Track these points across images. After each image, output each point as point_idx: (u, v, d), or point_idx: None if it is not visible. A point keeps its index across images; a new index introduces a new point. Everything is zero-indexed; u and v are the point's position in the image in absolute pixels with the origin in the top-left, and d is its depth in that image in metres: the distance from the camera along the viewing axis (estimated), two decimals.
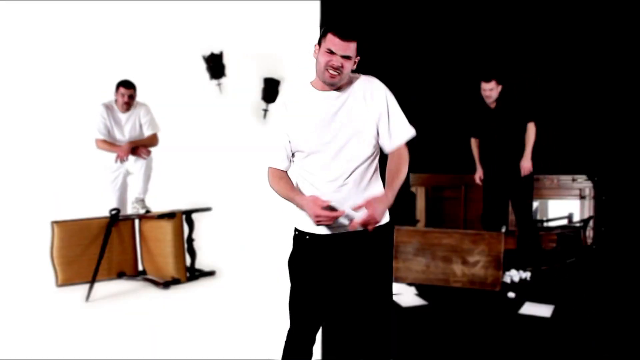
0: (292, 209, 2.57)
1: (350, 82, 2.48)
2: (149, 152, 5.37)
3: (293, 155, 2.55)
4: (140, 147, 5.31)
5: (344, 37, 2.36)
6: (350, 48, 2.37)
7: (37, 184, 5.50)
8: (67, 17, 5.68)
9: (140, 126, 5.39)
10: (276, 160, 2.55)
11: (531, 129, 5.13)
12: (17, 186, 5.49)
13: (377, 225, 2.40)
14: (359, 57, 2.44)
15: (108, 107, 5.32)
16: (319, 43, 2.42)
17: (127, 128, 5.35)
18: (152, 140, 5.42)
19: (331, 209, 2.39)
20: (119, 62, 5.59)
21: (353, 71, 2.49)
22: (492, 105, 5.20)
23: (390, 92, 2.52)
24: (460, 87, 5.98)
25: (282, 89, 5.88)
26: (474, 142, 5.45)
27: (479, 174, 5.45)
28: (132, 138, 5.36)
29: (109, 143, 5.28)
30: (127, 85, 5.26)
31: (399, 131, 2.50)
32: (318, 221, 2.37)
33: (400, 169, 2.46)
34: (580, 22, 5.68)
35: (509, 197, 5.40)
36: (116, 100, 5.32)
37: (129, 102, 5.30)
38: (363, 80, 2.51)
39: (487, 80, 5.10)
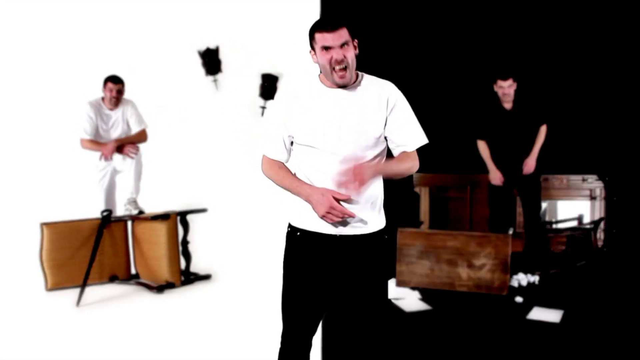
0: (289, 206, 2.53)
1: (362, 82, 2.44)
2: (137, 150, 5.32)
3: (292, 143, 2.49)
4: (127, 145, 5.25)
5: (331, 28, 2.32)
6: (342, 35, 2.32)
7: (26, 185, 5.61)
8: (57, 13, 5.75)
9: (128, 123, 5.37)
10: (273, 150, 2.51)
11: (543, 132, 5.21)
12: (6, 187, 5.58)
13: (372, 231, 2.44)
14: (357, 40, 2.39)
15: (94, 105, 5.30)
16: (312, 47, 2.39)
17: (115, 125, 5.34)
18: (141, 137, 5.39)
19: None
20: (112, 59, 5.59)
21: (363, 69, 2.43)
22: (508, 106, 5.19)
23: (405, 98, 2.46)
24: (466, 86, 5.98)
25: (282, 84, 5.87)
26: (482, 145, 5.36)
27: (497, 176, 5.29)
28: (120, 135, 5.35)
29: (95, 142, 5.26)
30: (115, 80, 5.26)
31: (411, 138, 2.45)
32: (325, 215, 2.34)
33: (404, 161, 2.44)
34: (589, 18, 5.69)
35: (521, 197, 5.43)
36: (103, 97, 5.31)
37: (118, 97, 5.30)
38: (378, 83, 2.46)
39: (504, 78, 5.10)
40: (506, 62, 5.79)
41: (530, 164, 5.19)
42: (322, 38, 2.31)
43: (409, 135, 2.44)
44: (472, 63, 5.95)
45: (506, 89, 5.10)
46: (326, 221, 2.37)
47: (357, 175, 2.27)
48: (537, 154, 5.20)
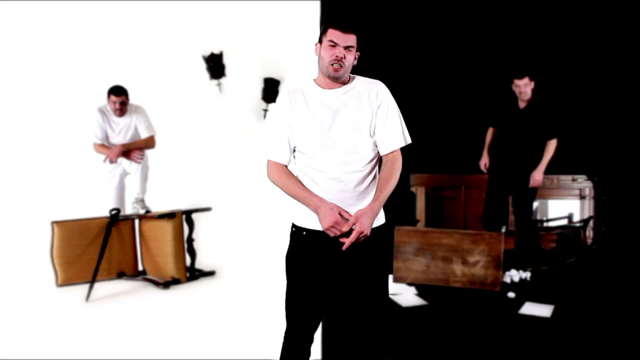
0: (292, 206, 2.55)
1: (353, 82, 2.53)
2: (143, 156, 5.35)
3: (294, 149, 2.54)
4: (134, 150, 5.29)
5: (344, 29, 2.44)
6: (351, 39, 2.45)
7: (37, 184, 5.51)
8: (66, 16, 5.67)
9: (136, 129, 5.38)
10: (277, 153, 2.52)
11: (552, 146, 5.15)
12: (17, 186, 5.49)
13: (372, 227, 2.44)
14: (359, 53, 2.51)
15: (102, 111, 5.31)
16: (320, 41, 2.49)
17: (124, 131, 5.35)
18: (149, 143, 5.40)
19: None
20: (118, 62, 5.58)
21: (356, 72, 2.50)
22: (522, 105, 5.16)
23: (393, 98, 2.54)
24: (461, 86, 5.96)
25: (284, 87, 5.89)
26: (490, 131, 5.41)
27: (484, 161, 5.38)
28: (129, 141, 5.36)
29: (104, 146, 5.29)
30: (117, 93, 5.22)
31: (392, 137, 2.50)
32: (329, 229, 2.39)
33: (390, 179, 2.47)
34: (577, 21, 5.64)
35: (512, 196, 5.42)
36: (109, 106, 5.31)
37: (122, 109, 5.28)
38: (368, 82, 2.55)
39: (520, 77, 5.06)
40: (522, 61, 5.76)
41: (537, 178, 5.15)
42: (333, 34, 2.44)
43: (393, 132, 2.50)
44: (470, 65, 5.94)
45: (522, 87, 5.05)
46: (328, 234, 2.41)
47: (359, 233, 2.36)
48: (545, 168, 5.15)
